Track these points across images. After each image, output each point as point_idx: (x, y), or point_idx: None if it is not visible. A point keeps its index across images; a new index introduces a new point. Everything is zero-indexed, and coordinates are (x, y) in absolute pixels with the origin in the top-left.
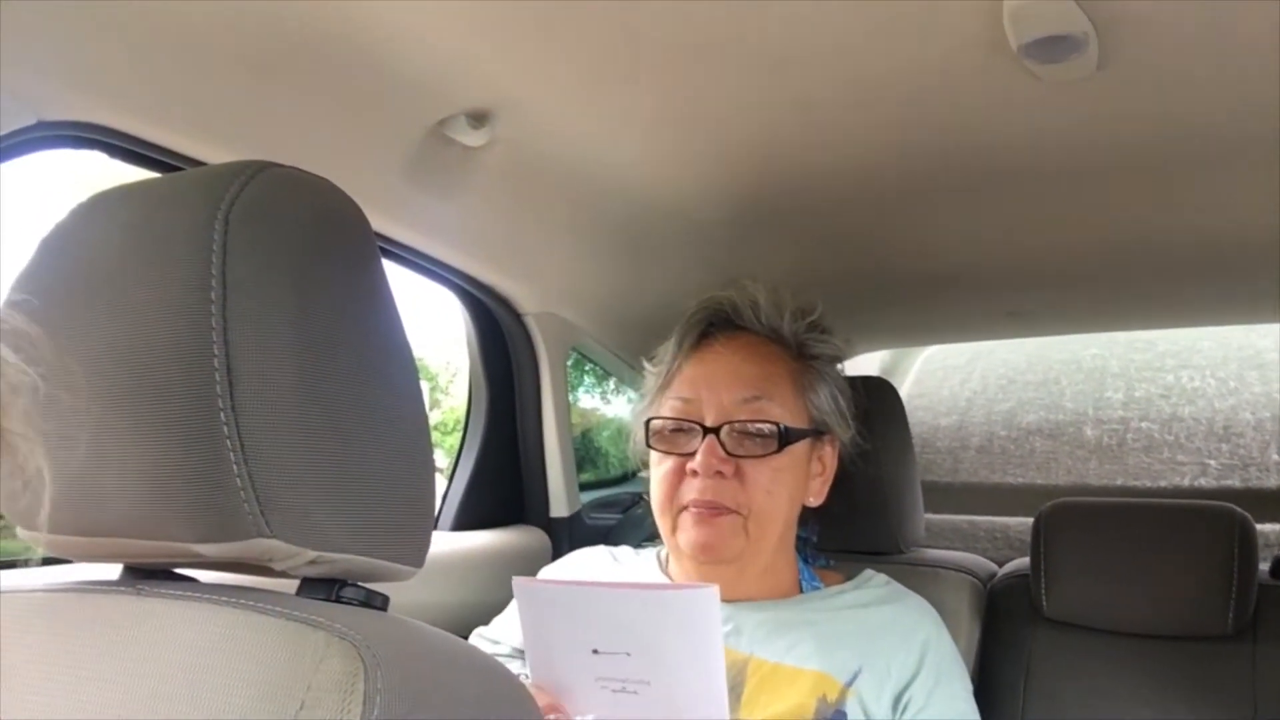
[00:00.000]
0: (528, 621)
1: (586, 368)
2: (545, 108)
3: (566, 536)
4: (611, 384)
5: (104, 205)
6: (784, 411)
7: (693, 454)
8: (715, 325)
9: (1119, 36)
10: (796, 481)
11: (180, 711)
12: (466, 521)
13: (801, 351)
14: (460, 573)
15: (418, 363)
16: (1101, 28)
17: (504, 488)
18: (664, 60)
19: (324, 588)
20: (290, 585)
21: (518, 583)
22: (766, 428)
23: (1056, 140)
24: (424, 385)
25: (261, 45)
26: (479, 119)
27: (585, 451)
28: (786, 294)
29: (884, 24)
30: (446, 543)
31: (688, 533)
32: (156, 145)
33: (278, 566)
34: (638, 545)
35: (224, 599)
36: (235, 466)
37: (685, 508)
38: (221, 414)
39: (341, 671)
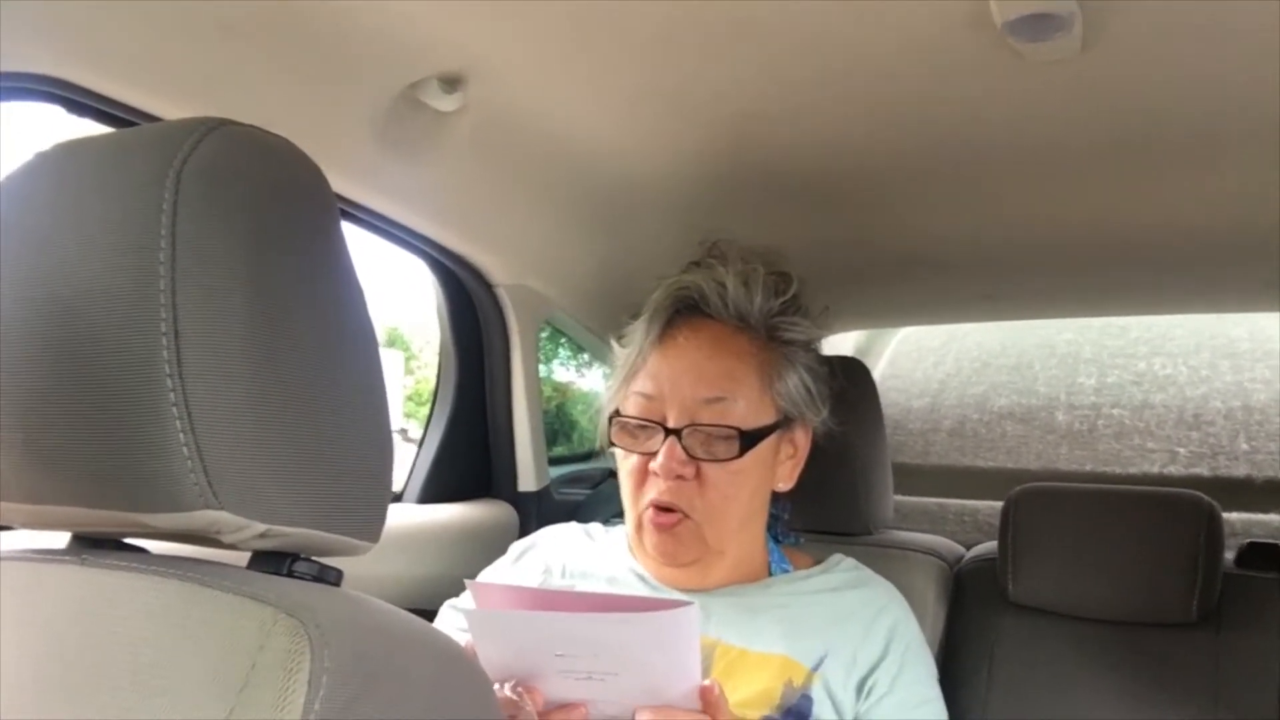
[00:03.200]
0: (481, 642)
1: (561, 340)
2: (520, 73)
3: (534, 511)
4: (586, 357)
5: (54, 161)
6: (748, 410)
7: (655, 453)
8: (680, 314)
9: (1105, 16)
10: (761, 476)
11: (121, 685)
12: (433, 494)
13: (771, 337)
14: (426, 546)
15: (394, 332)
16: (1087, 7)
17: (472, 461)
18: (644, 30)
19: (275, 561)
20: (244, 559)
21: (470, 614)
22: (729, 431)
23: (1038, 122)
24: (399, 355)
25: (228, 2)
26: (451, 83)
27: (557, 425)
28: (759, 269)
29: (866, 2)
30: (413, 515)
31: (649, 537)
32: (118, 102)
33: (226, 539)
34: (607, 521)
35: (170, 571)
36: (181, 435)
37: (648, 507)
38: (168, 379)
39: (287, 650)
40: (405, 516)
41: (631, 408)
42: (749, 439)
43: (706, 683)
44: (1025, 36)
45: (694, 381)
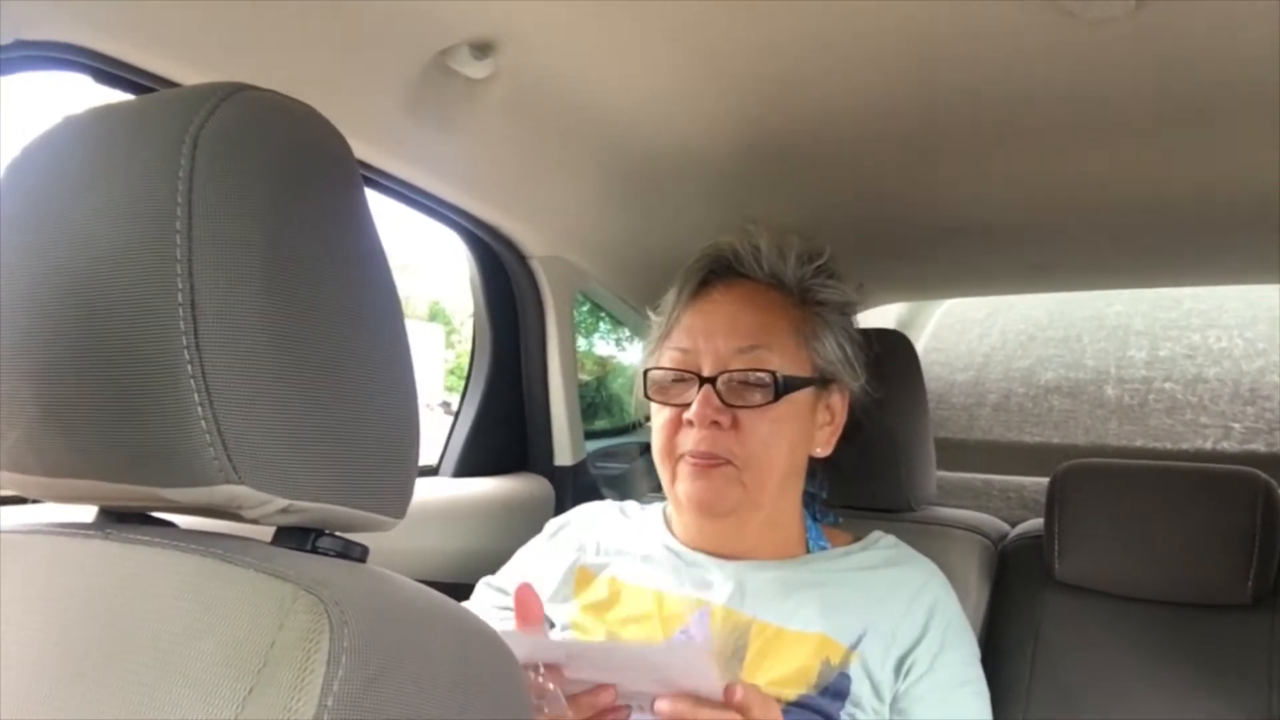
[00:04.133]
0: None
1: (601, 314)
2: (552, 40)
3: (570, 485)
4: (626, 330)
5: (72, 129)
6: (783, 360)
7: (689, 405)
8: (715, 273)
9: None
10: (799, 431)
11: (143, 662)
12: (469, 468)
13: (805, 298)
14: (463, 520)
15: (436, 306)
16: None
17: (508, 435)
18: None
19: (300, 537)
20: (270, 534)
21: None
22: (763, 376)
23: (1089, 84)
24: (440, 329)
25: None
26: (482, 49)
27: (596, 399)
28: (794, 238)
29: None
30: (448, 489)
31: (684, 484)
32: (141, 70)
33: (248, 515)
34: (643, 497)
35: (193, 546)
36: (200, 409)
37: (682, 458)
38: (185, 351)
39: (306, 627)
40: (441, 490)
41: (667, 363)
42: (784, 385)
43: (730, 685)
44: None
45: (728, 332)
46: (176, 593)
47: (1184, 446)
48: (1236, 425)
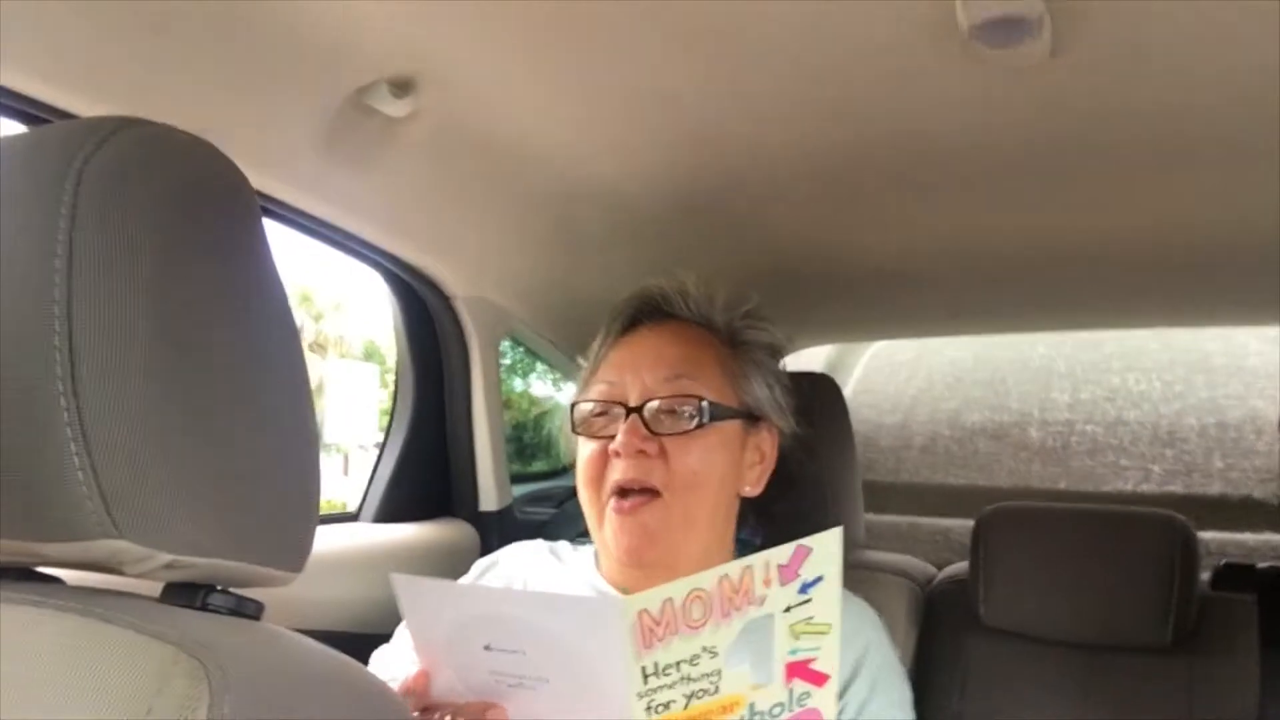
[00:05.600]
0: (411, 616)
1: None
2: (474, 78)
3: (496, 531)
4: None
5: None
6: (710, 392)
7: (615, 437)
8: (644, 313)
9: (1074, 21)
10: (728, 465)
11: None
12: (390, 513)
13: (734, 339)
14: (384, 567)
15: (370, 345)
16: (1056, 11)
17: (431, 479)
18: (601, 38)
19: (189, 593)
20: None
21: (396, 579)
22: (690, 401)
23: (1006, 131)
24: (375, 368)
25: (162, 1)
26: (402, 88)
27: (529, 441)
28: (720, 286)
29: (829, 5)
30: (368, 535)
31: (612, 529)
32: (44, 104)
33: (129, 571)
34: (574, 540)
35: (72, 605)
36: (76, 458)
37: (611, 495)
38: (61, 399)
39: (184, 695)
40: (360, 536)
41: (593, 395)
42: (711, 412)
43: None
44: (992, 41)
45: (654, 364)
46: (53, 655)
47: (1105, 488)
48: (1155, 467)
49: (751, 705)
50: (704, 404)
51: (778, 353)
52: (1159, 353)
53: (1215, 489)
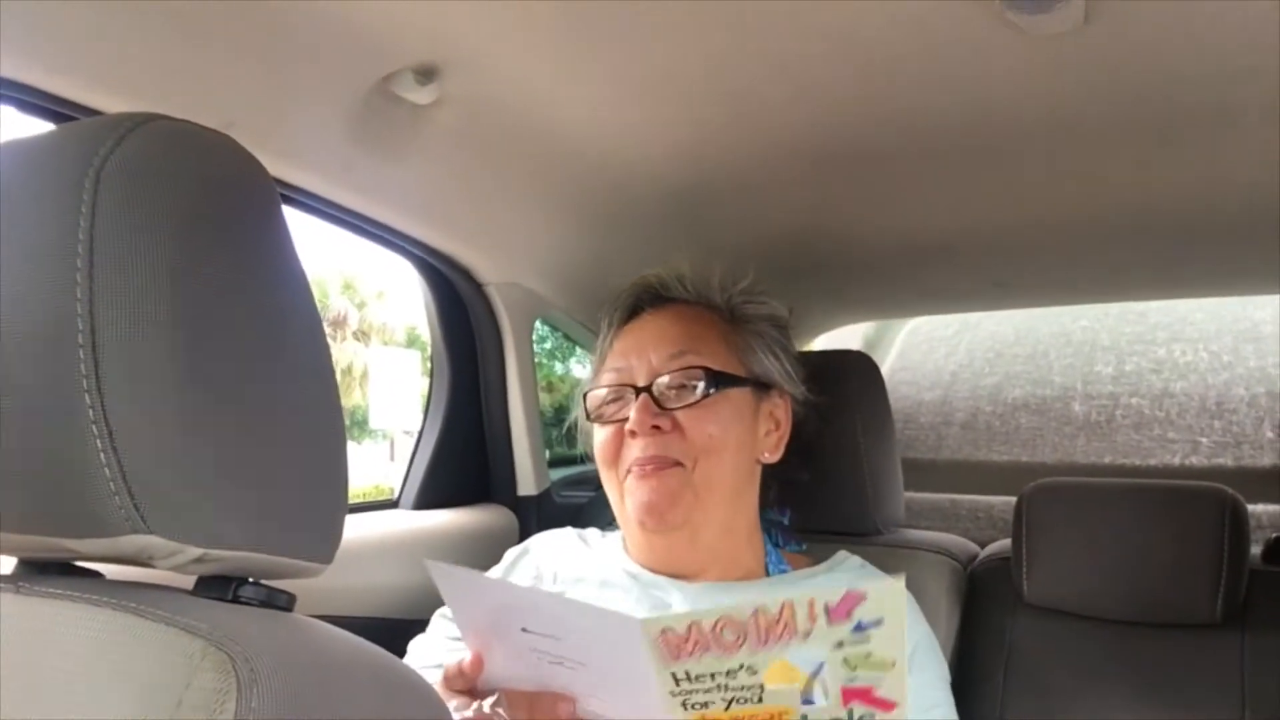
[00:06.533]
0: (452, 600)
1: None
2: (498, 63)
3: (535, 515)
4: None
5: None
6: (715, 362)
7: (628, 418)
8: (644, 301)
9: None
10: (743, 432)
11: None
12: (429, 500)
13: (734, 315)
14: (424, 553)
15: (412, 332)
16: None
17: (469, 465)
18: (626, 16)
19: (221, 586)
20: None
21: (432, 565)
22: (696, 373)
23: (1042, 99)
24: (417, 355)
25: None
26: (426, 74)
27: (568, 425)
28: (716, 266)
29: None
30: (408, 522)
31: (633, 495)
32: (71, 102)
33: (160, 565)
34: (605, 525)
35: (107, 599)
36: (103, 455)
37: (629, 470)
38: (86, 395)
39: (212, 688)
40: (400, 523)
41: (602, 383)
42: (718, 378)
43: None
44: (1025, 9)
45: (658, 344)
46: (88, 649)
47: (1152, 462)
48: (1204, 440)
49: (804, 717)
50: (710, 371)
51: (780, 323)
52: (1205, 323)
53: (1266, 461)
